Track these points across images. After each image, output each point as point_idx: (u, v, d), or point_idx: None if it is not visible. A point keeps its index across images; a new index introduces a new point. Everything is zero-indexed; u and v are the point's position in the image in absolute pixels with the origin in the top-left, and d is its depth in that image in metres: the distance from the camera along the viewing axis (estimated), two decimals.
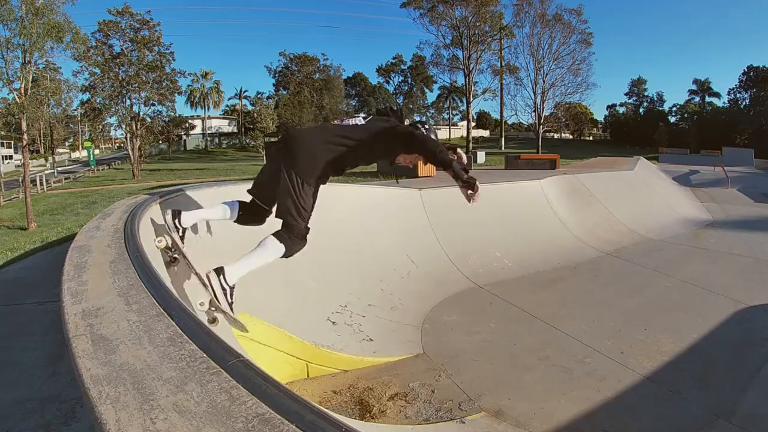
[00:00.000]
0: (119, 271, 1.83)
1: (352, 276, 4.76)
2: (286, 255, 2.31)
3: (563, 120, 46.90)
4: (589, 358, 3.69)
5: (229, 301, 2.17)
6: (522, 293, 5.29)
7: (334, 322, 3.85)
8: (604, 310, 4.78)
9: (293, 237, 2.29)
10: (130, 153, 29.28)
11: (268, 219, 2.62)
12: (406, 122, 2.60)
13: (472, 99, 43.23)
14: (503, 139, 50.18)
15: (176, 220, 2.50)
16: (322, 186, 2.38)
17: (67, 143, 59.05)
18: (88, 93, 27.93)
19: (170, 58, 29.67)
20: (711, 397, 3.15)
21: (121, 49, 27.97)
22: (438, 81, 56.87)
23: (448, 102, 66.06)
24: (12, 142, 41.03)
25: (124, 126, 29.69)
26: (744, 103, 51.91)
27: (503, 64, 42.79)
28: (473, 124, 53.04)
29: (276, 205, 2.38)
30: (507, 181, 9.05)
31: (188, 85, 49.74)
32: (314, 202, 2.35)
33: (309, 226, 2.35)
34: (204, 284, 2.15)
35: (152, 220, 2.77)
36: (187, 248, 2.49)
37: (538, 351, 3.83)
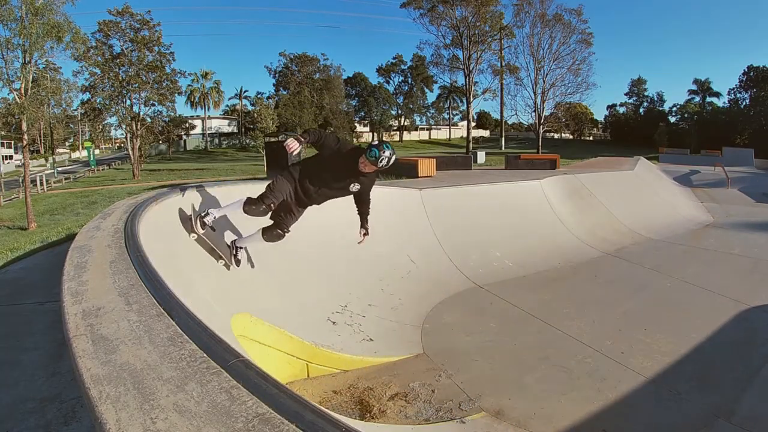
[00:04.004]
0: (119, 271, 1.83)
1: (352, 276, 4.76)
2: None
3: (563, 120, 46.82)
4: (589, 358, 3.69)
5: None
6: (522, 293, 5.29)
7: (334, 322, 3.85)
8: (604, 310, 4.77)
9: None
10: (130, 153, 29.25)
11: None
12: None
13: (472, 99, 43.14)
14: (503, 139, 50.10)
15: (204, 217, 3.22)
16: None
17: (67, 143, 58.92)
18: (88, 93, 27.91)
19: (170, 59, 29.64)
20: (711, 397, 3.15)
21: (121, 49, 27.95)
22: (438, 81, 56.74)
23: (448, 102, 65.96)
24: (12, 142, 40.96)
25: (124, 126, 29.66)
26: (744, 103, 51.77)
27: (503, 64, 42.71)
28: (473, 124, 52.99)
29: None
30: (507, 181, 9.04)
31: (188, 85, 49.52)
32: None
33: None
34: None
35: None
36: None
37: (538, 351, 3.83)
